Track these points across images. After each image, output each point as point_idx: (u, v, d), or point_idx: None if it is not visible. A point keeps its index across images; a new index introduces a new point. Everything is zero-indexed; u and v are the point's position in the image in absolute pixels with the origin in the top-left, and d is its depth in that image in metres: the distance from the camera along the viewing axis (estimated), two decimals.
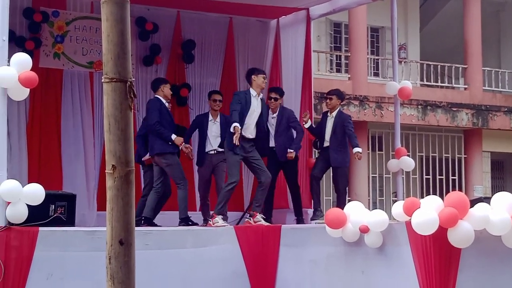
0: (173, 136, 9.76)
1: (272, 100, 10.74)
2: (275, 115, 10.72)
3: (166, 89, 10.05)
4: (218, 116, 10.58)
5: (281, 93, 10.97)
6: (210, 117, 10.60)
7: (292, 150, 10.51)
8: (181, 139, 9.87)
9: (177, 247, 8.64)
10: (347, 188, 11.51)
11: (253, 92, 9.75)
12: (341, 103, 11.21)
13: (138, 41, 11.76)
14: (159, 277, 8.30)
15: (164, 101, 9.98)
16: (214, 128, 10.54)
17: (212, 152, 10.52)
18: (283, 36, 12.50)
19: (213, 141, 10.50)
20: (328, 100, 10.91)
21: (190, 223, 9.76)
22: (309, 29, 12.25)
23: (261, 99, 9.89)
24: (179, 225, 9.66)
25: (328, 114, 10.88)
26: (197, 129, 10.74)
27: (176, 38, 12.13)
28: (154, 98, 10.05)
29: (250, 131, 9.68)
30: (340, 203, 10.45)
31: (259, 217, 9.69)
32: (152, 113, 9.85)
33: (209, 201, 10.65)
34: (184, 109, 12.12)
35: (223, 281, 8.86)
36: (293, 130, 10.70)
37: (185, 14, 12.14)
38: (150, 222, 9.76)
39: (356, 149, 10.54)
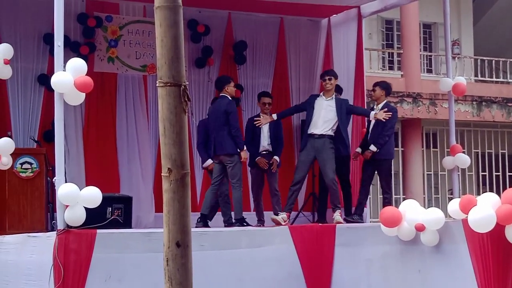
0: (244, 148, 9.88)
1: None
2: None
3: (230, 88, 10.06)
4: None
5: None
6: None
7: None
8: (247, 153, 9.99)
9: (232, 247, 8.66)
10: (391, 184, 10.95)
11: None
12: (387, 95, 10.70)
13: (190, 43, 11.81)
14: (214, 278, 8.34)
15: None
16: (266, 129, 10.57)
17: (265, 152, 10.54)
18: (334, 35, 12.45)
19: (265, 142, 10.53)
20: (372, 92, 10.77)
21: (245, 223, 9.79)
22: (361, 27, 12.19)
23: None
24: (234, 225, 9.70)
25: (374, 106, 10.61)
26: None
27: (228, 39, 12.16)
28: (229, 99, 9.99)
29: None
30: (387, 201, 10.33)
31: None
32: (235, 116, 9.97)
33: (262, 201, 10.64)
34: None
35: (279, 282, 8.87)
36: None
37: (236, 15, 12.17)
38: (205, 220, 9.83)
39: (371, 147, 10.27)
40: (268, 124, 10.50)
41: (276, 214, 9.95)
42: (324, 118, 10.11)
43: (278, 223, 9.63)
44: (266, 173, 10.52)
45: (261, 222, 10.37)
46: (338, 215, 9.84)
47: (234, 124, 9.84)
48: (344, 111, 10.27)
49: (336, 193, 10.02)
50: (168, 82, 3.37)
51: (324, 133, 10.07)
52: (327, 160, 10.00)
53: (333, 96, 10.30)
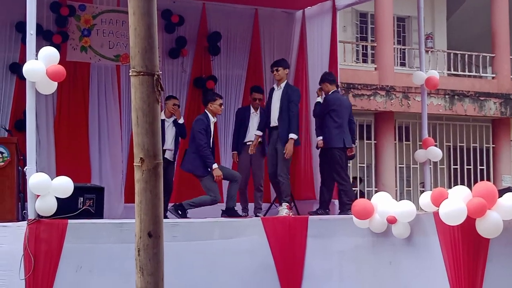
0: (215, 165, 9.66)
1: None
2: None
3: (213, 106, 9.93)
4: (259, 109, 10.69)
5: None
6: (252, 110, 10.67)
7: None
8: (220, 172, 9.65)
9: (204, 238, 8.66)
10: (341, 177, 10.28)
11: None
12: (333, 84, 10.54)
13: (164, 34, 11.77)
14: (186, 269, 8.34)
15: (211, 118, 9.89)
16: (255, 120, 10.62)
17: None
18: (308, 27, 12.45)
19: (254, 132, 10.55)
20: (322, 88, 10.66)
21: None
22: (335, 19, 12.18)
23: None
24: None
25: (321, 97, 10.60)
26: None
27: (202, 30, 12.13)
28: (201, 116, 9.93)
29: None
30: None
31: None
32: (199, 133, 9.70)
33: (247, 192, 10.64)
34: None
35: (251, 273, 8.88)
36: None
37: (210, 6, 12.13)
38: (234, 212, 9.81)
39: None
40: (258, 118, 10.55)
41: (260, 209, 10.40)
42: (274, 108, 10.19)
43: None
44: (251, 164, 10.57)
45: (246, 211, 10.35)
46: (285, 209, 9.88)
47: (198, 140, 9.68)
48: (286, 99, 10.05)
49: (284, 186, 10.03)
50: (141, 71, 3.35)
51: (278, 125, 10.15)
52: (280, 153, 10.05)
53: (282, 85, 10.17)
